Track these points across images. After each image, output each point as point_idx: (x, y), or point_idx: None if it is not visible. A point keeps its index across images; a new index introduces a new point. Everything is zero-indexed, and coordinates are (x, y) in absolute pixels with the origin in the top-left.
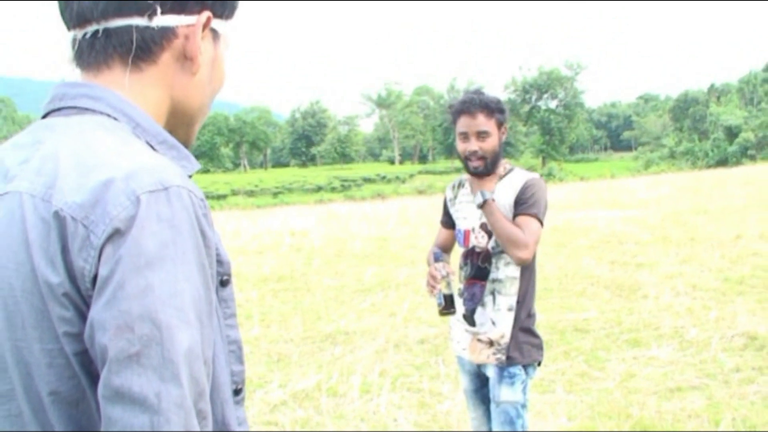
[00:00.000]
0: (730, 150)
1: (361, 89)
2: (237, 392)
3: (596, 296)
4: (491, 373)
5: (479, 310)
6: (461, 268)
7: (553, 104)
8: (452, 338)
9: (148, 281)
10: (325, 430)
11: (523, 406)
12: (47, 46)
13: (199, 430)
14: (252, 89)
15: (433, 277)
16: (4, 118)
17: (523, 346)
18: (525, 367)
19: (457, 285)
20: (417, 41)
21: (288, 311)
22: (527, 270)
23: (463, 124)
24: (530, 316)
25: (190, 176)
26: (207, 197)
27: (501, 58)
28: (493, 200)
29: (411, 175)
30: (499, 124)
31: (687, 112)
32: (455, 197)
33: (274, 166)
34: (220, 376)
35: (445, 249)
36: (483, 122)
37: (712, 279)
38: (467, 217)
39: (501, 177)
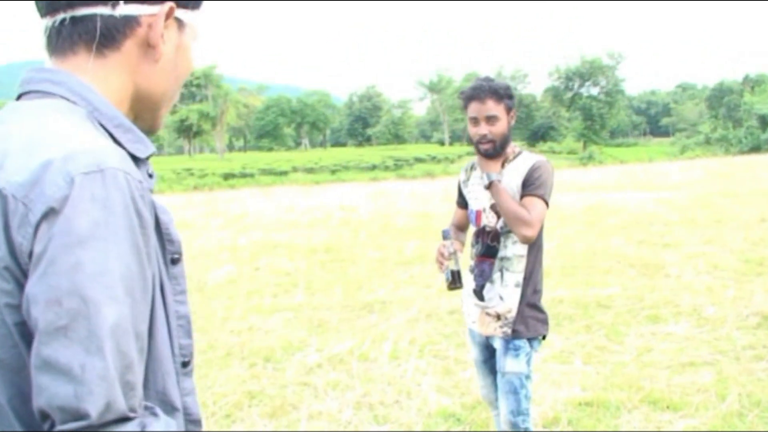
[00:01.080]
0: (763, 137)
1: (415, 75)
2: (185, 364)
3: (621, 274)
4: (498, 345)
5: (488, 285)
6: (473, 246)
7: (594, 91)
8: (464, 312)
9: (78, 258)
10: (354, 392)
11: (527, 377)
12: None
13: (123, 400)
14: (313, 74)
15: (441, 254)
16: None
17: (529, 321)
18: (530, 340)
19: (463, 262)
20: (467, 31)
21: (332, 280)
22: (534, 248)
23: (473, 109)
24: (536, 292)
25: (148, 158)
26: (270, 173)
27: (545, 46)
28: (499, 181)
29: (459, 156)
30: (508, 109)
31: (722, 101)
32: (468, 179)
33: (332, 146)
34: (162, 349)
35: (461, 227)
36: (492, 107)
37: (734, 259)
38: (479, 198)
39: (510, 159)
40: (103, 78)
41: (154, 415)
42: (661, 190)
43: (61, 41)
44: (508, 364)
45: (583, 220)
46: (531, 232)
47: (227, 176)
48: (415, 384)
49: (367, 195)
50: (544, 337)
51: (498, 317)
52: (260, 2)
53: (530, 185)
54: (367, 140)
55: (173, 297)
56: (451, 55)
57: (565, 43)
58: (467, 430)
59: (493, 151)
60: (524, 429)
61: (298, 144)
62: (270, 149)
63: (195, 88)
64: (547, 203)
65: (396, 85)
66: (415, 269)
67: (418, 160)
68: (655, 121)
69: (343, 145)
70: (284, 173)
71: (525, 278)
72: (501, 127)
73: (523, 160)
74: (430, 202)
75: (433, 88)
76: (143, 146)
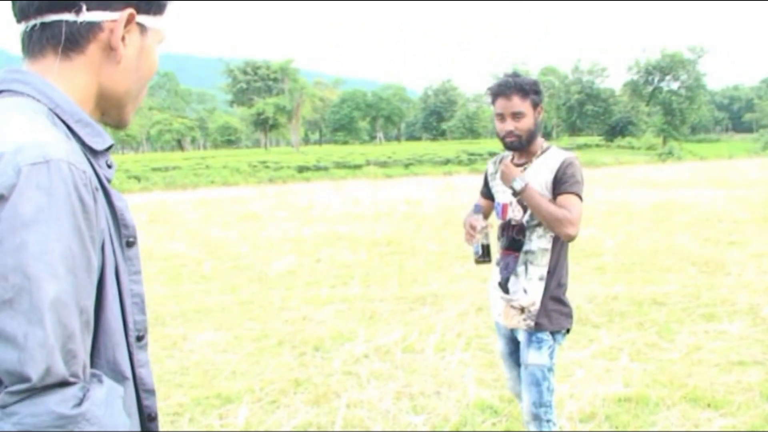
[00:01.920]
0: None
1: (490, 70)
2: (140, 338)
3: (681, 271)
4: (521, 337)
5: (512, 279)
6: (498, 239)
7: (675, 86)
8: (491, 305)
9: (23, 239)
10: (397, 382)
11: (550, 369)
12: (208, 26)
13: (63, 366)
14: (389, 68)
15: (473, 227)
16: (167, 91)
17: (552, 314)
18: (553, 333)
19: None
20: (544, 24)
21: (389, 273)
22: (558, 242)
23: (499, 105)
24: (560, 285)
25: (107, 149)
26: (344, 167)
27: (625, 39)
28: (527, 186)
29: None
30: (535, 105)
31: None
32: (496, 171)
33: (407, 140)
34: (112, 323)
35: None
36: (518, 103)
37: None
38: (505, 191)
39: (537, 155)
40: (69, 78)
41: (99, 381)
42: (736, 188)
43: (32, 45)
44: (530, 356)
45: (650, 217)
46: (574, 231)
47: (301, 169)
48: (457, 376)
49: (436, 189)
50: (568, 331)
51: (522, 310)
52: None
53: (564, 182)
54: (441, 134)
55: (129, 277)
56: (528, 48)
57: (646, 37)
58: (502, 421)
59: (519, 145)
60: (546, 420)
61: (372, 138)
62: (345, 143)
63: (272, 81)
64: (581, 199)
65: (471, 80)
66: (472, 263)
67: (492, 154)
68: (737, 117)
69: (418, 139)
70: (358, 166)
71: (549, 272)
72: (527, 123)
73: (551, 155)
74: None
75: None
76: (101, 139)
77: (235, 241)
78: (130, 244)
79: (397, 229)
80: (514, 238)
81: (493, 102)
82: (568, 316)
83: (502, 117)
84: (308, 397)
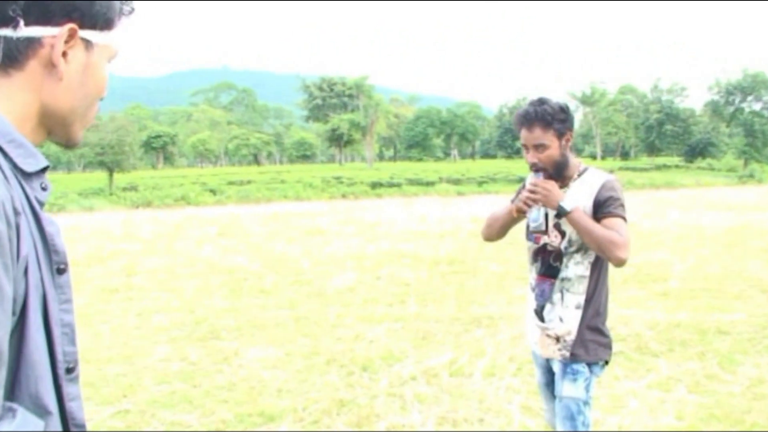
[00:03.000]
0: None
1: (566, 87)
2: (69, 370)
3: (750, 299)
4: (556, 368)
5: (548, 306)
6: (532, 264)
7: (757, 107)
8: (527, 332)
9: None
10: (440, 407)
11: (585, 403)
12: (287, 44)
13: None
14: (465, 86)
15: (533, 191)
16: (246, 107)
17: (589, 344)
18: (589, 365)
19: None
20: (623, 41)
21: (448, 293)
22: (596, 269)
23: (523, 136)
24: (599, 314)
25: (42, 171)
26: (416, 183)
27: (706, 58)
28: (578, 207)
29: (611, 171)
30: (560, 135)
31: None
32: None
33: (482, 157)
34: (35, 355)
35: (505, 227)
36: (540, 135)
37: None
38: (537, 218)
39: (574, 178)
40: (7, 96)
41: (12, 415)
42: None
43: None
44: (565, 388)
45: (724, 241)
46: (626, 254)
47: (374, 185)
48: (504, 402)
49: None
50: (606, 363)
51: (557, 339)
52: (417, 18)
53: (609, 205)
54: (516, 152)
55: (58, 306)
56: (606, 66)
57: (727, 56)
58: None
59: (548, 176)
60: None
61: (447, 155)
62: (419, 159)
63: (347, 98)
64: (626, 221)
65: (548, 97)
66: None
67: None
68: None
69: (493, 156)
70: (431, 183)
71: (586, 300)
72: (551, 154)
73: (590, 177)
74: None
75: (586, 100)
76: (34, 161)
77: (298, 256)
78: (61, 271)
79: (461, 247)
80: (550, 264)
81: (518, 132)
82: (607, 347)
83: (526, 148)
84: (350, 419)
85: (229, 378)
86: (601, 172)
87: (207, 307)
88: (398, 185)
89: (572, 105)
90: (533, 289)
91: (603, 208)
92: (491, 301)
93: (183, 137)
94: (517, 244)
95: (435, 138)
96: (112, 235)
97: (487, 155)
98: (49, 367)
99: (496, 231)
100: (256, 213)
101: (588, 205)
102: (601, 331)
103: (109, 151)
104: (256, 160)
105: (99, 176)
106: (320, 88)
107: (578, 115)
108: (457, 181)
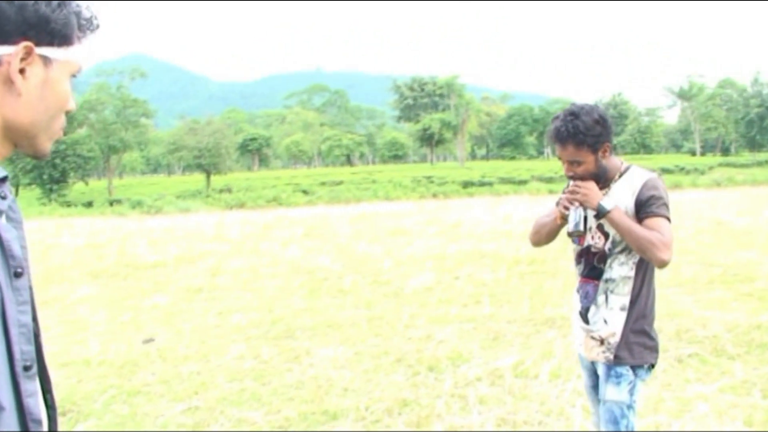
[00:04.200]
0: None
1: (664, 82)
2: (27, 368)
3: None
4: (600, 370)
5: (592, 308)
6: (576, 265)
7: None
8: (573, 334)
9: None
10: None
11: (629, 407)
12: (380, 44)
13: None
14: (558, 82)
15: (574, 192)
16: (338, 108)
17: (634, 347)
18: (634, 368)
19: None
20: (721, 34)
21: (524, 293)
22: (642, 270)
23: (557, 150)
24: (644, 316)
25: (2, 180)
26: (508, 182)
27: None
28: (615, 208)
29: (710, 167)
30: (594, 150)
31: None
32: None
33: None
34: None
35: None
36: (572, 152)
37: None
38: (577, 222)
39: (616, 179)
40: None
41: None
42: None
43: None
44: (609, 391)
45: None
46: (669, 255)
47: (466, 184)
48: (567, 405)
49: None
50: (652, 366)
51: (601, 342)
52: (509, 15)
53: (651, 204)
54: (612, 149)
55: (16, 307)
56: (705, 60)
57: None
58: None
59: None
60: None
61: (540, 153)
62: (512, 158)
63: (438, 97)
64: (670, 221)
65: (644, 93)
66: None
67: (665, 170)
68: None
69: None
70: (523, 182)
71: (631, 301)
72: (585, 169)
73: (633, 176)
74: None
75: (684, 95)
76: None
77: (380, 256)
78: (18, 275)
79: (543, 247)
80: (594, 266)
81: (551, 146)
82: (653, 350)
83: (562, 161)
84: (411, 419)
85: (298, 377)
86: (644, 171)
87: (285, 306)
88: (489, 184)
89: (669, 100)
90: (578, 291)
91: (645, 207)
92: (567, 302)
93: (277, 139)
94: None
95: (528, 136)
96: (204, 236)
97: None
98: (7, 365)
99: (544, 236)
100: (344, 213)
101: (630, 204)
102: (646, 334)
103: (207, 155)
104: (349, 161)
105: (197, 179)
106: (411, 88)
107: (676, 111)
108: (549, 180)
